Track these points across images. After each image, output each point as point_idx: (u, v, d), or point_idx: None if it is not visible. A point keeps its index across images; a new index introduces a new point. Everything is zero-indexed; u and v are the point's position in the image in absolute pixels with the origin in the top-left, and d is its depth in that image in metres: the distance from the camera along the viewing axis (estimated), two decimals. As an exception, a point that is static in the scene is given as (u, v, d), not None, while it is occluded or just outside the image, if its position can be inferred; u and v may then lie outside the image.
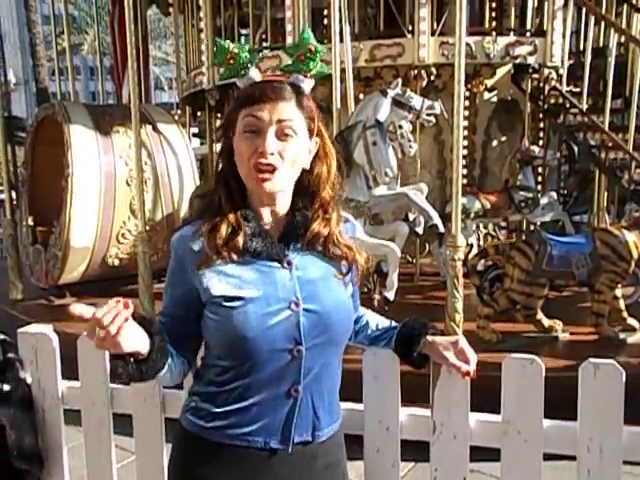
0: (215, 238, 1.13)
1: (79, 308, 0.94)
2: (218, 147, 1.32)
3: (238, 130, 1.14)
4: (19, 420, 1.59)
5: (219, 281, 1.12)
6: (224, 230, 1.13)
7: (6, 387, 1.60)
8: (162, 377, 1.16)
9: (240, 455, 1.15)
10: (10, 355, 1.66)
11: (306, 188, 1.21)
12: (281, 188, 1.16)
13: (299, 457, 1.18)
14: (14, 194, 6.51)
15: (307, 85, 1.20)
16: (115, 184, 5.38)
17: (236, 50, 1.18)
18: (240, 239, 1.13)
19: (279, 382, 1.13)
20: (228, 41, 1.20)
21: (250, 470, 1.16)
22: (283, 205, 1.20)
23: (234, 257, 1.13)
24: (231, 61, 1.18)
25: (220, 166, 1.21)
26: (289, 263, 1.16)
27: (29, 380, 1.66)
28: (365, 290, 4.55)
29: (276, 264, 1.15)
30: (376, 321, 1.42)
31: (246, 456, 1.15)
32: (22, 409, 1.61)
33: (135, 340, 1.02)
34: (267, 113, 1.11)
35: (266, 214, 1.19)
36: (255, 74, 1.19)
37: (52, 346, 1.65)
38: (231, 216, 1.15)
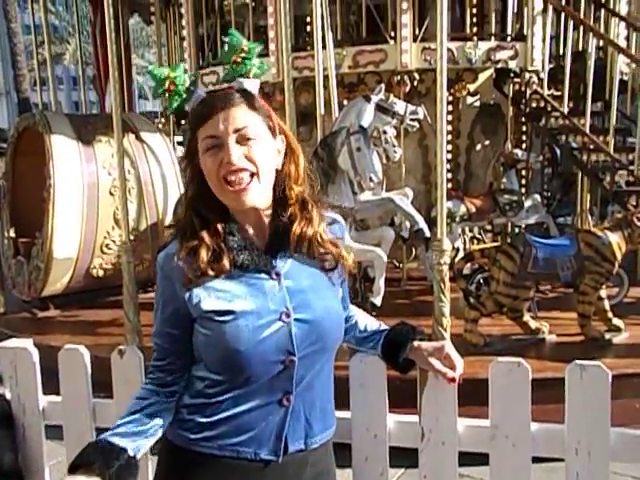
0: (197, 261, 1.10)
1: None
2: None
3: (200, 152, 1.13)
4: (-2, 437, 1.55)
5: (209, 296, 1.11)
6: (204, 254, 1.11)
7: (-15, 403, 1.56)
8: None
9: (230, 466, 1.13)
10: (-12, 371, 1.62)
11: (281, 192, 1.19)
12: (259, 198, 1.14)
13: (290, 466, 1.16)
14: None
15: (253, 86, 1.19)
16: (98, 194, 5.32)
17: (172, 74, 1.16)
18: (226, 261, 1.11)
19: (271, 392, 1.12)
20: (161, 68, 1.19)
21: (238, 479, 1.14)
22: (266, 214, 1.18)
23: (221, 275, 1.12)
24: (172, 87, 1.17)
25: (189, 194, 1.18)
26: (277, 274, 1.15)
27: (8, 396, 1.62)
28: (351, 296, 4.54)
29: (264, 276, 1.14)
30: (365, 322, 1.41)
31: (236, 467, 1.13)
32: (1, 426, 1.57)
33: None
34: (222, 125, 1.10)
35: (250, 226, 1.17)
36: (200, 91, 1.17)
37: (32, 360, 1.61)
38: (208, 240, 1.12)
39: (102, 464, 1.05)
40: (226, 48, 1.20)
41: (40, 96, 7.77)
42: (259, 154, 1.12)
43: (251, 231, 1.17)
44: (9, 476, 1.54)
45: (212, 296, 1.11)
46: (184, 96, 1.17)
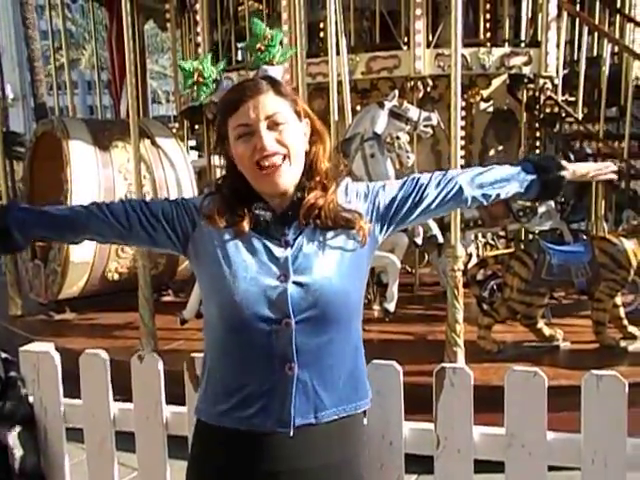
0: (219, 221, 1.17)
1: None
2: (216, 160, 1.34)
3: (232, 140, 1.17)
4: (21, 439, 1.58)
5: (217, 245, 1.17)
6: (229, 215, 1.17)
7: (8, 406, 1.59)
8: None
9: (244, 439, 1.15)
10: (12, 374, 1.65)
11: (306, 167, 1.23)
12: (291, 181, 1.18)
13: (302, 440, 1.14)
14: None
15: (277, 72, 1.25)
16: (114, 199, 5.39)
17: (199, 66, 1.21)
18: (245, 224, 1.17)
19: (272, 360, 1.13)
20: (189, 61, 1.23)
21: (252, 453, 1.15)
22: (290, 195, 1.21)
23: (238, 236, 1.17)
24: (200, 79, 1.21)
25: (228, 179, 1.24)
26: (286, 242, 1.18)
27: (31, 399, 1.65)
28: (365, 302, 4.55)
29: (275, 241, 1.18)
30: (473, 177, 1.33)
31: (250, 440, 1.15)
32: (24, 428, 1.60)
33: None
34: (252, 113, 1.15)
35: (275, 198, 1.21)
36: (228, 82, 1.22)
37: (54, 364, 1.65)
38: (236, 203, 1.18)
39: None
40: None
41: (56, 101, 7.90)
42: (290, 137, 1.16)
43: (274, 201, 1.21)
44: (32, 476, 1.57)
45: (224, 245, 1.17)
46: (212, 87, 1.21)
